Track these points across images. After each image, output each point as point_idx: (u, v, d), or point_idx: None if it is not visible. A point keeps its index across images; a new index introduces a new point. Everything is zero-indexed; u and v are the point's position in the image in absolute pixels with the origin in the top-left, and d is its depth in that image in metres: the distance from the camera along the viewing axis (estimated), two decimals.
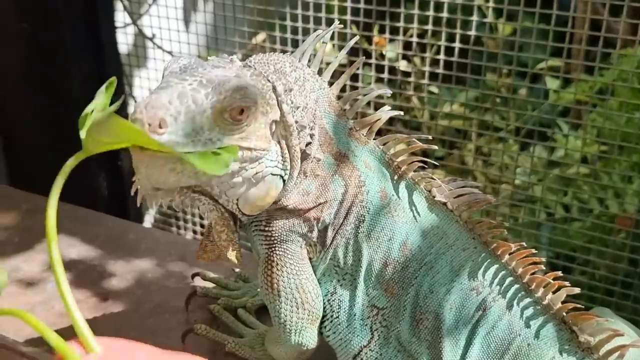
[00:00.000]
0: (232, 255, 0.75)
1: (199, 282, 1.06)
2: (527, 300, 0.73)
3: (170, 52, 1.74)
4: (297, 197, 0.75)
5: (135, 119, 0.61)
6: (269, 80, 0.71)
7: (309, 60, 0.78)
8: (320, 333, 0.79)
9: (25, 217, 1.30)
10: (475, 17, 1.41)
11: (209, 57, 0.73)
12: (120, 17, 1.76)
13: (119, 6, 1.75)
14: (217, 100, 0.64)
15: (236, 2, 1.57)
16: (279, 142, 0.72)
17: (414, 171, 0.79)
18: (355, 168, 0.77)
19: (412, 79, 1.60)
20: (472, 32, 1.42)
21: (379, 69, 1.55)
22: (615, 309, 1.51)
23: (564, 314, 0.72)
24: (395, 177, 0.78)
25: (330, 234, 0.77)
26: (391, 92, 0.80)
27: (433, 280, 0.75)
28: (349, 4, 1.50)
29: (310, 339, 0.77)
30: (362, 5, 1.48)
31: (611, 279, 1.51)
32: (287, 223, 0.75)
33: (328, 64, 0.81)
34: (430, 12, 1.40)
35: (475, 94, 1.60)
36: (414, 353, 0.75)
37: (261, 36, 1.66)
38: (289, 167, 0.72)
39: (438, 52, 1.47)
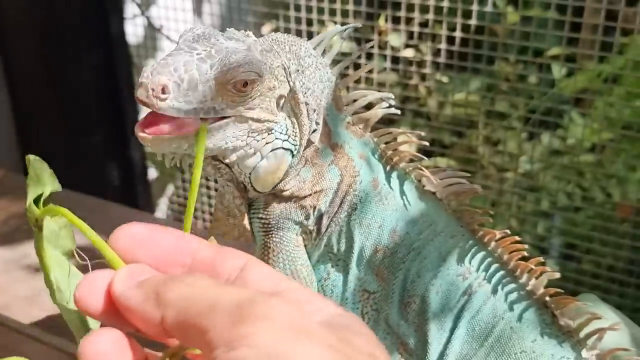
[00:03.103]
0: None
1: None
2: (512, 285, 0.75)
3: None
4: (294, 183, 0.77)
5: (141, 84, 0.64)
6: (280, 58, 0.73)
7: (324, 52, 0.79)
8: None
9: None
10: (475, 7, 1.42)
11: (227, 29, 0.74)
12: (129, 8, 1.79)
13: None
14: (220, 72, 0.66)
15: None
16: (289, 118, 0.74)
17: (406, 162, 0.81)
18: (351, 159, 0.80)
19: (417, 67, 1.62)
20: (473, 22, 1.42)
21: (384, 57, 1.56)
22: (617, 296, 1.52)
23: (547, 298, 0.74)
24: (387, 168, 0.81)
25: (325, 221, 0.79)
26: (393, 97, 0.82)
27: (421, 265, 0.77)
28: None
29: None
30: None
31: (613, 267, 1.52)
32: (284, 210, 0.78)
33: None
34: (431, 1, 1.41)
35: (477, 83, 1.61)
36: (402, 335, 0.78)
37: (267, 28, 1.68)
38: (298, 144, 0.75)
39: (447, 39, 1.48)
